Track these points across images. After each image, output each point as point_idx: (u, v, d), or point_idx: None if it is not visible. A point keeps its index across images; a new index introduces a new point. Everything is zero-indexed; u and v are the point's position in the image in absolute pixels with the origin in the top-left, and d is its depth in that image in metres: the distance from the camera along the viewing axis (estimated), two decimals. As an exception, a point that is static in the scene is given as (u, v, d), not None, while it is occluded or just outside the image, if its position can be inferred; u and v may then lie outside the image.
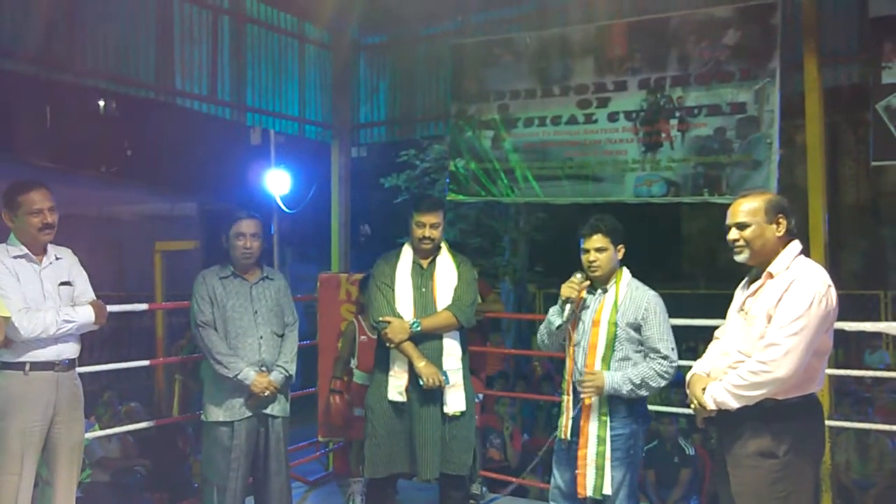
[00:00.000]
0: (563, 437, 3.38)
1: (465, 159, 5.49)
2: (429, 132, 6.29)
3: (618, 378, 3.22)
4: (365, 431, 3.85)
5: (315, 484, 5.19)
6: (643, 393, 3.25)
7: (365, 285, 4.24)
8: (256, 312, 3.75)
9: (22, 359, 3.09)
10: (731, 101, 4.56)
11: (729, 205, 2.89)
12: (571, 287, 3.36)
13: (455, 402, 3.74)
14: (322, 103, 5.95)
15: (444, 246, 3.91)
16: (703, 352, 3.01)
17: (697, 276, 14.09)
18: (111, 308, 3.86)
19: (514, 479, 5.36)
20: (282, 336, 3.85)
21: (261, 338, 3.73)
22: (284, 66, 5.63)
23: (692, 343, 7.99)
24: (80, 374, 3.41)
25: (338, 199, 6.01)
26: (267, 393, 3.68)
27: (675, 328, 3.37)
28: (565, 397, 3.41)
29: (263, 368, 3.71)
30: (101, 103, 13.37)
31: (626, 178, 4.93)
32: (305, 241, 9.72)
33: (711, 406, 2.74)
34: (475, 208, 10.50)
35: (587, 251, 3.37)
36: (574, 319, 3.40)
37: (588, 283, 3.39)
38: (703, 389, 2.78)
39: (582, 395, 3.28)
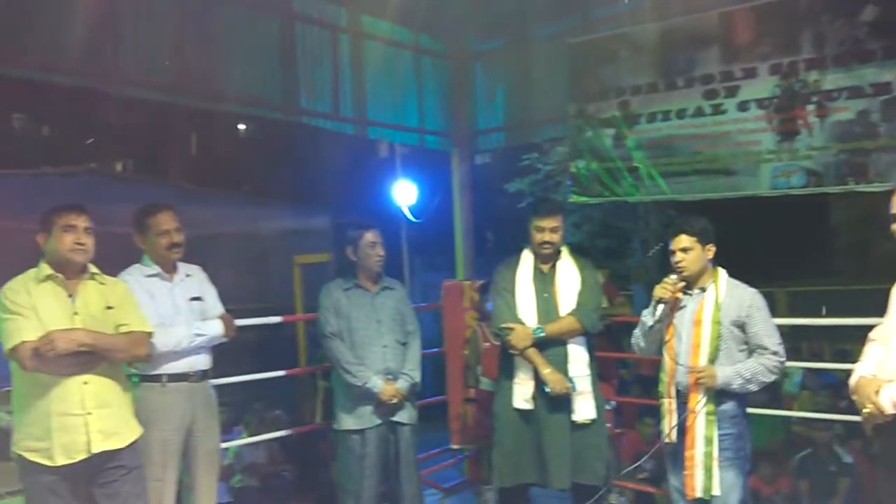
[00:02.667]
0: (668, 440, 3.34)
1: (586, 160, 5.38)
2: (548, 134, 6.21)
3: (729, 372, 3.19)
4: (493, 440, 3.84)
5: (450, 491, 5.23)
6: (752, 388, 3.20)
7: (486, 292, 4.23)
8: (379, 322, 3.82)
9: (159, 371, 3.28)
10: (874, 82, 4.23)
11: (877, 193, 2.66)
12: (665, 288, 3.32)
13: (584, 409, 3.65)
14: (440, 113, 6.01)
15: (565, 250, 3.84)
16: (856, 355, 2.80)
17: (846, 271, 13.09)
18: (247, 321, 4.08)
19: (650, 489, 5.16)
20: (404, 344, 3.90)
21: (385, 346, 3.80)
22: (402, 79, 5.73)
23: (846, 345, 7.40)
24: (230, 385, 3.58)
25: (460, 206, 6.05)
26: (394, 400, 3.74)
27: (822, 328, 3.19)
28: (665, 400, 3.37)
29: (389, 376, 3.78)
30: (241, 126, 14.18)
31: (761, 170, 4.67)
32: (433, 249, 9.85)
33: (891, 410, 2.52)
34: (602, 209, 10.27)
35: (673, 252, 3.34)
36: (669, 321, 3.34)
37: (683, 284, 3.34)
38: (877, 392, 2.56)
39: (698, 387, 3.21)
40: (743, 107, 4.70)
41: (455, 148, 6.11)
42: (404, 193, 9.46)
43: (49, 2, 3.75)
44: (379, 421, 3.77)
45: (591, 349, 3.77)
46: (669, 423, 3.33)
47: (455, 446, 5.13)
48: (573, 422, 3.64)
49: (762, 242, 10.54)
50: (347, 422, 3.77)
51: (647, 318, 3.39)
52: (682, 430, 3.27)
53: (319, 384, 8.46)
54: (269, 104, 4.92)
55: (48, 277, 2.92)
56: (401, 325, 3.90)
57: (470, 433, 4.83)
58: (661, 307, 3.32)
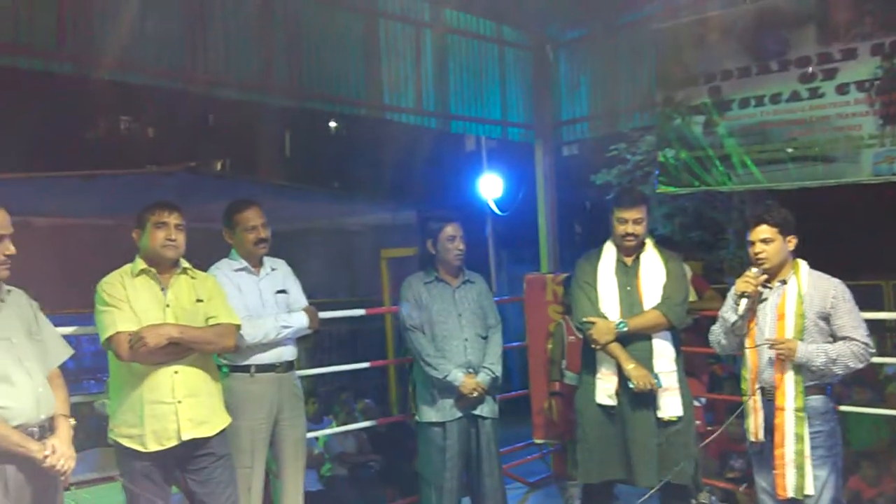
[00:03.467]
0: (754, 438, 3.24)
1: (674, 149, 5.22)
2: (634, 124, 6.06)
3: (812, 349, 3.08)
4: (576, 435, 3.79)
5: (535, 486, 5.20)
6: (836, 371, 3.08)
7: (569, 285, 4.17)
8: (460, 315, 3.83)
9: (247, 362, 3.39)
10: None
11: None
12: (747, 281, 3.20)
13: (670, 406, 3.55)
14: (524, 104, 5.96)
15: (649, 242, 3.74)
16: None
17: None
18: (331, 314, 4.17)
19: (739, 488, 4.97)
20: (485, 338, 3.89)
21: (466, 340, 3.80)
22: (485, 72, 5.73)
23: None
24: (320, 375, 3.66)
25: (544, 199, 5.99)
26: (475, 394, 3.74)
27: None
28: (750, 398, 3.26)
29: (470, 370, 3.77)
30: (332, 124, 14.51)
31: (863, 156, 4.42)
32: (519, 242, 9.80)
33: None
34: (694, 200, 9.94)
35: (752, 243, 3.22)
36: (752, 315, 3.23)
37: (764, 276, 3.22)
38: None
39: (782, 365, 3.13)
40: (842, 90, 4.46)
41: (538, 140, 6.05)
42: (490, 186, 9.44)
43: (151, 13, 3.94)
44: (460, 414, 3.77)
45: (677, 344, 3.65)
46: (755, 422, 3.23)
47: (538, 441, 5.09)
48: (659, 419, 3.55)
49: (865, 232, 9.97)
50: (429, 414, 3.79)
51: (729, 314, 3.29)
52: (770, 428, 3.17)
53: (411, 377, 8.59)
54: (354, 101, 5.01)
55: (142, 272, 3.06)
56: (482, 319, 3.90)
57: (554, 428, 4.78)
58: (744, 301, 3.22)
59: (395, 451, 6.62)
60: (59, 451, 2.48)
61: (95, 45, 3.81)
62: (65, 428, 2.57)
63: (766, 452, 3.20)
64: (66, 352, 2.74)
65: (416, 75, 5.26)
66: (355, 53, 4.95)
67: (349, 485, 6.17)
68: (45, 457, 2.44)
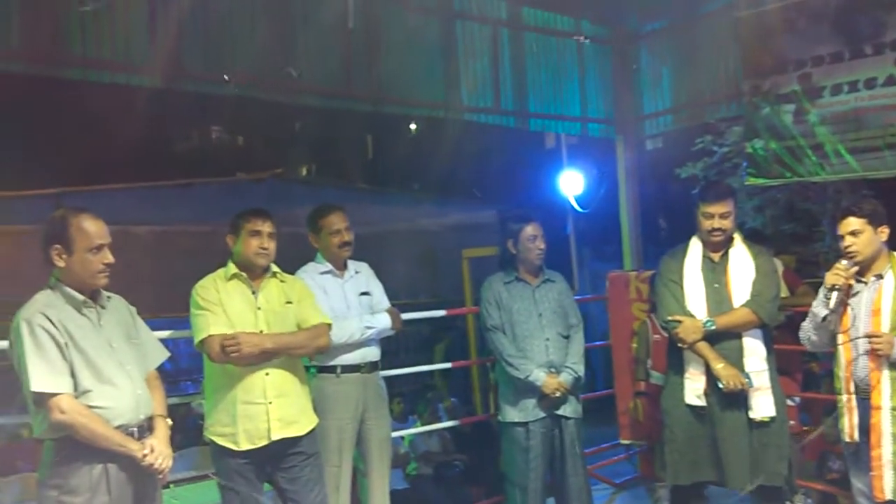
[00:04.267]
0: (849, 439, 3.12)
1: (763, 139, 5.03)
2: (720, 114, 5.87)
3: None
4: (663, 436, 3.71)
5: (622, 487, 5.12)
6: None
7: (654, 283, 4.09)
8: (541, 315, 3.81)
9: (333, 363, 3.49)
10: None
11: None
12: (837, 274, 3.09)
13: (762, 406, 3.44)
14: (604, 100, 5.87)
15: (737, 236, 3.62)
16: None
17: None
18: (413, 315, 4.22)
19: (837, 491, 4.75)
20: (567, 337, 3.86)
21: (547, 339, 3.78)
22: (563, 68, 5.66)
23: None
24: (404, 375, 3.72)
25: (626, 194, 5.88)
26: (558, 394, 3.72)
27: None
28: (844, 396, 3.14)
29: (552, 370, 3.75)
30: (413, 126, 14.66)
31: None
32: (601, 239, 9.65)
33: None
34: (787, 191, 9.52)
35: (842, 236, 3.11)
36: (844, 310, 3.12)
37: (855, 269, 3.10)
38: None
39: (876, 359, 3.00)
40: (943, 72, 4.20)
41: (619, 135, 5.94)
42: (571, 183, 9.32)
43: (237, 27, 4.09)
44: (543, 414, 3.75)
45: (769, 342, 3.53)
46: (850, 422, 3.11)
47: (624, 441, 5.01)
48: (751, 419, 3.44)
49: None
50: (511, 414, 3.79)
51: (819, 308, 3.19)
52: (866, 428, 3.05)
53: (492, 376, 8.61)
54: (433, 103, 5.05)
55: (234, 276, 3.17)
56: (563, 318, 3.87)
57: (640, 428, 4.69)
58: (834, 295, 3.11)
59: (479, 451, 6.63)
60: (158, 451, 2.60)
61: (185, 59, 3.98)
62: (162, 428, 2.69)
63: (862, 453, 3.09)
64: (162, 354, 2.87)
65: (494, 75, 5.25)
66: (433, 56, 4.99)
67: (434, 484, 6.22)
68: (144, 456, 2.56)
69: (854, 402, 3.11)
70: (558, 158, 9.99)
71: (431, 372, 5.75)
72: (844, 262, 3.13)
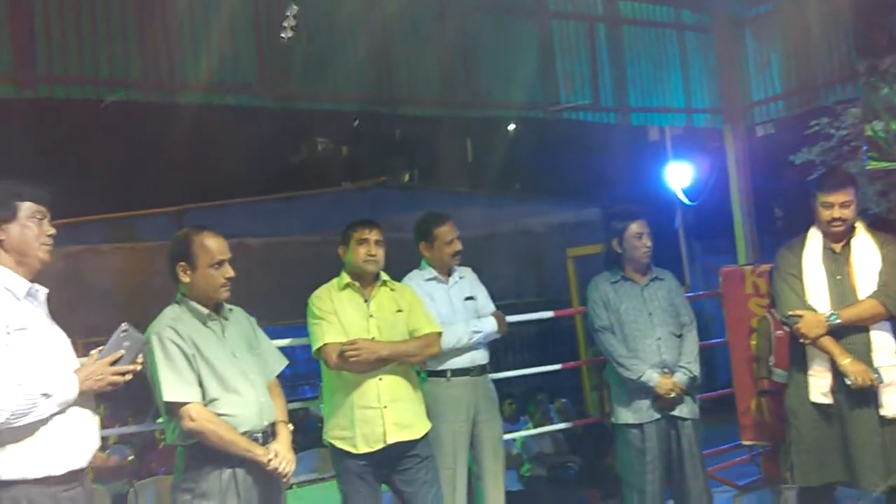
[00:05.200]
0: None
1: (883, 120, 4.72)
2: (835, 97, 5.55)
3: None
4: (789, 436, 3.56)
5: (745, 489, 4.93)
6: None
7: (772, 277, 3.92)
8: (651, 314, 3.73)
9: (443, 367, 3.54)
10: None
11: None
12: None
13: (894, 403, 3.24)
14: (709, 89, 5.67)
15: (860, 225, 3.43)
16: None
17: None
18: (519, 317, 4.22)
19: None
20: (679, 336, 3.76)
21: (659, 339, 3.70)
22: (665, 60, 5.50)
23: None
24: (513, 378, 3.73)
25: (737, 185, 5.66)
26: (672, 394, 3.63)
27: None
28: None
29: (665, 370, 3.67)
30: (511, 127, 14.66)
31: None
32: (712, 232, 9.33)
33: None
34: (912, 173, 8.94)
35: None
36: None
37: None
38: None
39: None
40: None
41: (727, 124, 5.73)
42: (677, 176, 9.08)
43: (340, 46, 4.22)
44: (658, 415, 3.67)
45: (900, 335, 3.33)
46: None
47: (746, 442, 4.82)
48: (882, 417, 3.25)
49: None
50: (625, 415, 3.72)
51: None
52: None
53: (603, 377, 8.50)
54: (531, 104, 5.03)
55: (347, 285, 3.29)
56: (674, 317, 3.77)
57: (763, 428, 4.50)
58: None
59: (593, 452, 6.56)
60: (282, 455, 2.71)
61: (292, 77, 4.14)
62: (285, 433, 2.80)
63: None
64: (282, 362, 2.99)
65: (593, 71, 5.17)
66: (530, 57, 4.97)
67: (549, 485, 6.20)
68: (269, 460, 2.67)
69: None
70: (663, 151, 9.76)
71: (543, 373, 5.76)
72: None
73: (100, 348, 2.35)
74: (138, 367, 2.39)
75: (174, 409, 2.62)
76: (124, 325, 2.37)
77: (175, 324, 2.69)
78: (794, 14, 5.29)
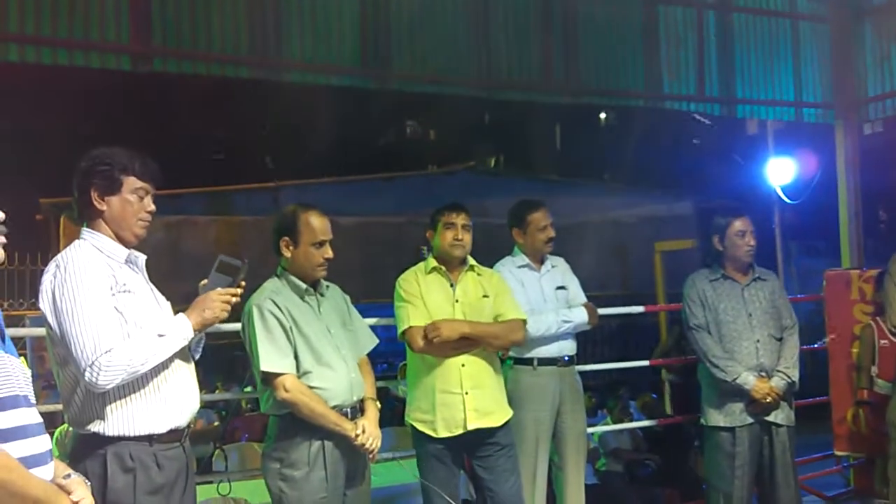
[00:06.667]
0: None
1: None
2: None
3: None
4: (889, 450, 3.38)
5: (833, 500, 4.74)
6: None
7: (881, 282, 3.72)
8: (751, 315, 3.60)
9: (530, 355, 3.50)
10: None
11: None
12: None
13: None
14: (821, 82, 5.40)
15: None
16: None
17: None
18: (610, 310, 4.14)
19: None
20: (780, 339, 3.62)
21: (757, 341, 3.57)
22: (776, 50, 5.28)
23: None
24: (593, 371, 3.67)
25: (846, 184, 5.39)
26: (768, 399, 3.50)
27: None
28: None
29: (763, 373, 3.54)
30: (602, 115, 14.39)
31: None
32: (812, 233, 8.94)
33: None
34: None
35: None
36: None
37: None
38: None
39: None
40: None
41: (838, 119, 5.45)
42: (777, 172, 8.70)
43: (436, 27, 4.21)
44: (751, 420, 3.55)
45: None
46: None
47: (839, 453, 4.62)
48: None
49: None
50: (716, 418, 3.62)
51: None
52: None
53: (664, 376, 8.29)
54: (632, 93, 4.91)
55: (433, 269, 3.30)
56: (775, 319, 3.63)
57: (859, 440, 4.31)
58: None
59: (672, 451, 6.41)
60: (369, 431, 2.75)
61: (393, 60, 4.16)
62: (373, 410, 2.84)
63: None
64: (373, 341, 3.03)
65: (699, 60, 5.00)
66: (633, 43, 4.84)
67: (624, 481, 6.09)
68: (357, 436, 2.71)
69: None
70: (762, 146, 9.38)
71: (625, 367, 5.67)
72: None
73: (203, 282, 2.39)
74: (241, 290, 2.40)
75: (270, 379, 2.68)
76: (222, 256, 2.40)
77: (275, 296, 2.75)
78: (920, 5, 4.98)
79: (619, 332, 9.74)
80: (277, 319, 2.70)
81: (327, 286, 2.90)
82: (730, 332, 3.59)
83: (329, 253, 2.80)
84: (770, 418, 3.56)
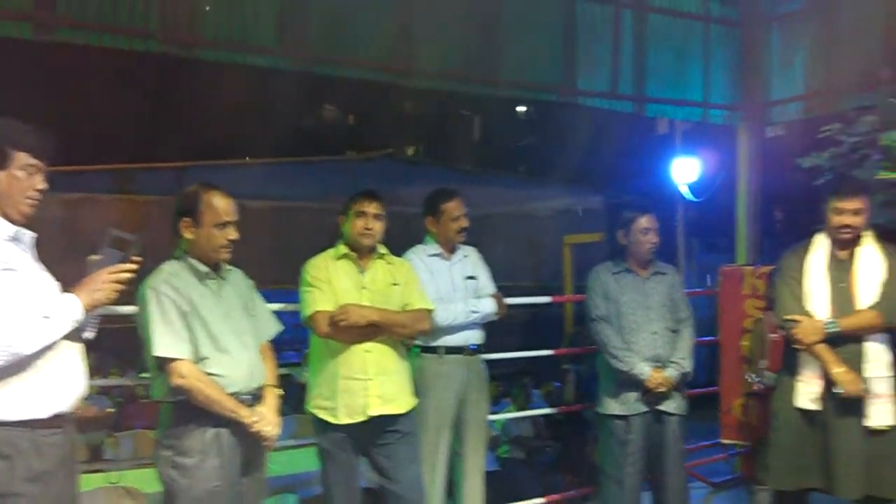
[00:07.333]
0: None
1: (899, 131, 4.69)
2: (854, 103, 5.49)
3: None
4: (769, 439, 3.56)
5: (720, 487, 4.96)
6: None
7: (772, 279, 3.90)
8: (649, 307, 3.72)
9: (436, 343, 3.53)
10: None
11: None
12: None
13: (880, 415, 3.26)
14: (729, 85, 5.60)
15: (868, 235, 3.41)
16: None
17: None
18: (517, 300, 4.20)
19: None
20: (676, 331, 3.76)
21: (654, 333, 3.69)
22: (688, 51, 5.42)
23: None
24: (499, 360, 3.74)
25: (745, 184, 5.62)
26: (661, 389, 3.63)
27: None
28: None
29: (658, 364, 3.67)
30: (520, 109, 14.53)
31: None
32: (713, 230, 9.29)
33: None
34: (921, 187, 8.90)
35: None
36: None
37: None
38: None
39: None
40: None
41: (743, 122, 5.67)
42: (683, 171, 9.01)
43: (359, 10, 4.14)
44: (644, 408, 3.68)
45: (894, 347, 3.33)
46: None
47: (726, 441, 4.84)
48: (866, 428, 3.27)
49: None
50: (612, 406, 3.72)
51: None
52: None
53: (565, 366, 8.50)
54: (548, 87, 4.96)
55: (343, 255, 3.26)
56: (672, 312, 3.76)
57: (745, 429, 4.52)
58: None
59: (572, 439, 6.57)
60: (267, 419, 2.70)
61: (311, 41, 4.07)
62: (272, 397, 2.79)
63: None
64: (276, 327, 2.97)
65: (614, 58, 5.10)
66: (552, 38, 4.89)
67: (525, 468, 6.22)
68: (254, 423, 2.66)
69: None
70: (671, 145, 9.69)
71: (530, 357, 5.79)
72: None
73: (92, 257, 2.30)
74: (135, 266, 2.33)
75: (164, 364, 2.60)
76: (114, 231, 2.32)
77: (172, 279, 2.66)
78: (824, 15, 5.20)
79: (527, 323, 9.89)
80: (174, 303, 2.61)
81: (229, 270, 2.82)
82: (629, 324, 3.69)
83: (233, 234, 2.72)
84: (662, 407, 3.69)
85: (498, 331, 3.90)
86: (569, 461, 6.02)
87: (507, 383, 7.29)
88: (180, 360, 2.59)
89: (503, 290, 3.77)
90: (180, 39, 3.76)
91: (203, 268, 2.72)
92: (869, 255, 3.37)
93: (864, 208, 3.34)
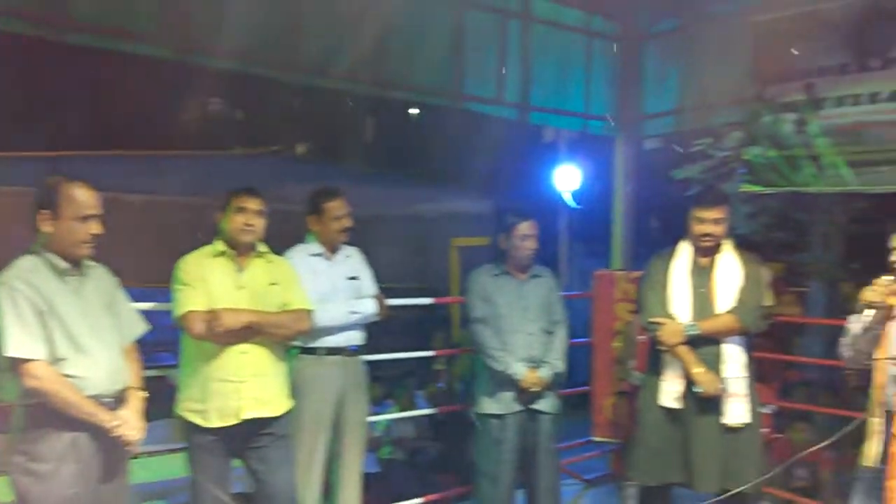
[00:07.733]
0: (870, 464, 2.94)
1: (762, 146, 5.02)
2: (723, 119, 5.84)
3: None
4: (634, 436, 3.73)
5: (592, 483, 5.14)
6: None
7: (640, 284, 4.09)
8: (526, 309, 3.80)
9: (315, 344, 3.48)
10: None
11: None
12: (875, 291, 2.89)
13: (735, 413, 3.47)
14: (608, 97, 5.83)
15: (727, 244, 3.62)
16: None
17: None
18: (400, 301, 4.21)
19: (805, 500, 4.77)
20: (551, 333, 3.86)
21: (530, 334, 3.78)
22: (570, 63, 5.60)
23: None
24: (384, 362, 3.72)
25: (621, 193, 5.86)
26: (535, 388, 3.72)
27: None
28: (874, 420, 2.94)
29: (533, 364, 3.75)
30: (412, 111, 14.58)
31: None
32: (593, 237, 9.63)
33: None
34: (781, 199, 9.49)
35: (892, 250, 2.92)
36: (881, 330, 2.92)
37: None
38: None
39: None
40: (947, 91, 4.19)
41: (620, 133, 5.91)
42: (567, 179, 9.30)
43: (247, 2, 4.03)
44: (519, 408, 3.76)
45: (749, 350, 3.55)
46: (874, 447, 2.92)
47: (597, 439, 5.03)
48: (723, 425, 3.46)
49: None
50: (488, 405, 3.79)
51: (854, 324, 3.02)
52: (886, 456, 2.87)
53: (437, 367, 8.62)
54: (435, 91, 5.01)
55: (221, 253, 3.16)
56: (547, 314, 3.86)
57: (616, 427, 4.72)
58: (871, 313, 2.91)
59: (453, 439, 6.64)
60: (129, 422, 2.58)
61: (193, 30, 3.92)
62: (135, 400, 2.68)
63: (878, 482, 2.89)
64: (141, 327, 2.85)
65: (499, 66, 5.21)
66: (440, 43, 4.93)
67: (407, 468, 6.23)
68: (115, 427, 2.54)
69: (881, 427, 2.90)
70: (556, 153, 9.97)
71: (415, 358, 5.83)
72: (887, 278, 2.90)
73: None
74: None
75: (17, 365, 2.44)
76: None
77: (28, 275, 2.50)
78: (696, 36, 5.49)
79: (415, 325, 9.92)
80: (29, 300, 2.46)
81: (92, 266, 2.69)
82: (506, 325, 3.76)
83: (96, 229, 2.59)
84: (537, 406, 3.79)
85: (384, 332, 3.89)
86: (450, 461, 6.08)
87: (391, 385, 7.27)
88: (34, 360, 2.45)
89: (390, 291, 3.76)
90: (51, 21, 3.55)
91: (62, 263, 2.58)
92: (728, 263, 3.58)
93: (724, 218, 3.54)
